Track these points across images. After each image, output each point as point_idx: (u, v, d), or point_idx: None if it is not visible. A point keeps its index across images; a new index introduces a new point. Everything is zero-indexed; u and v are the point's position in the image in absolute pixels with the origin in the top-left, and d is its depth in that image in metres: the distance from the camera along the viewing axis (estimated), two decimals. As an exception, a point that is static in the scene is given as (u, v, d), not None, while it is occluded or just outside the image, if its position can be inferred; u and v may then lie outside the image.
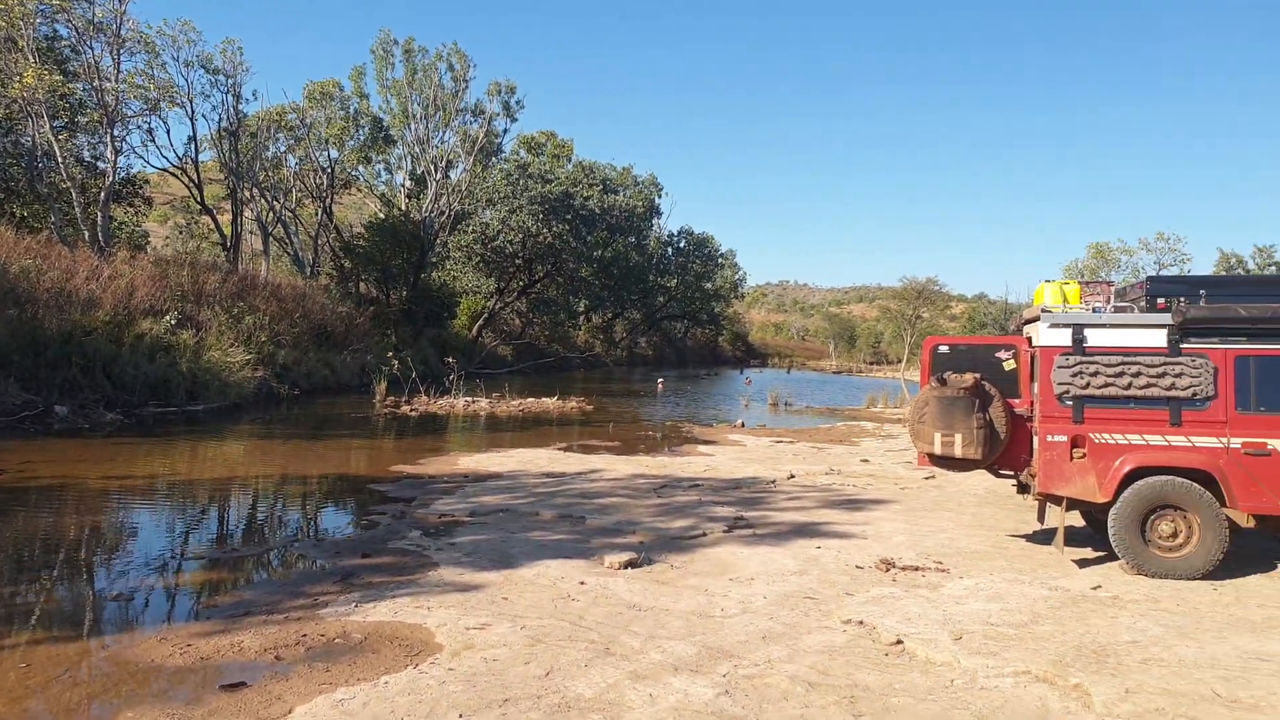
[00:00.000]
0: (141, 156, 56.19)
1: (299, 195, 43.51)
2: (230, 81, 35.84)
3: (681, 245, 67.41)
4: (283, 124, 39.72)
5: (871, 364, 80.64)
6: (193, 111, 35.04)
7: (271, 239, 41.31)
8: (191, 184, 36.45)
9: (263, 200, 40.11)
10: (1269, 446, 7.57)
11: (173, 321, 21.56)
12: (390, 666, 5.39)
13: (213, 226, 39.37)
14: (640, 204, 53.94)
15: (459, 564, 7.84)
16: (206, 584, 7.48)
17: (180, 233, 47.12)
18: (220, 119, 36.31)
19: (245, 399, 22.05)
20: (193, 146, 36.28)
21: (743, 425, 22.15)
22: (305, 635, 5.89)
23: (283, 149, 41.21)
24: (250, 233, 43.09)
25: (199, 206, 38.04)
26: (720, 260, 70.52)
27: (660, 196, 62.63)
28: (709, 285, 69.19)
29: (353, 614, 6.37)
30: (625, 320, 66.51)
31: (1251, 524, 7.68)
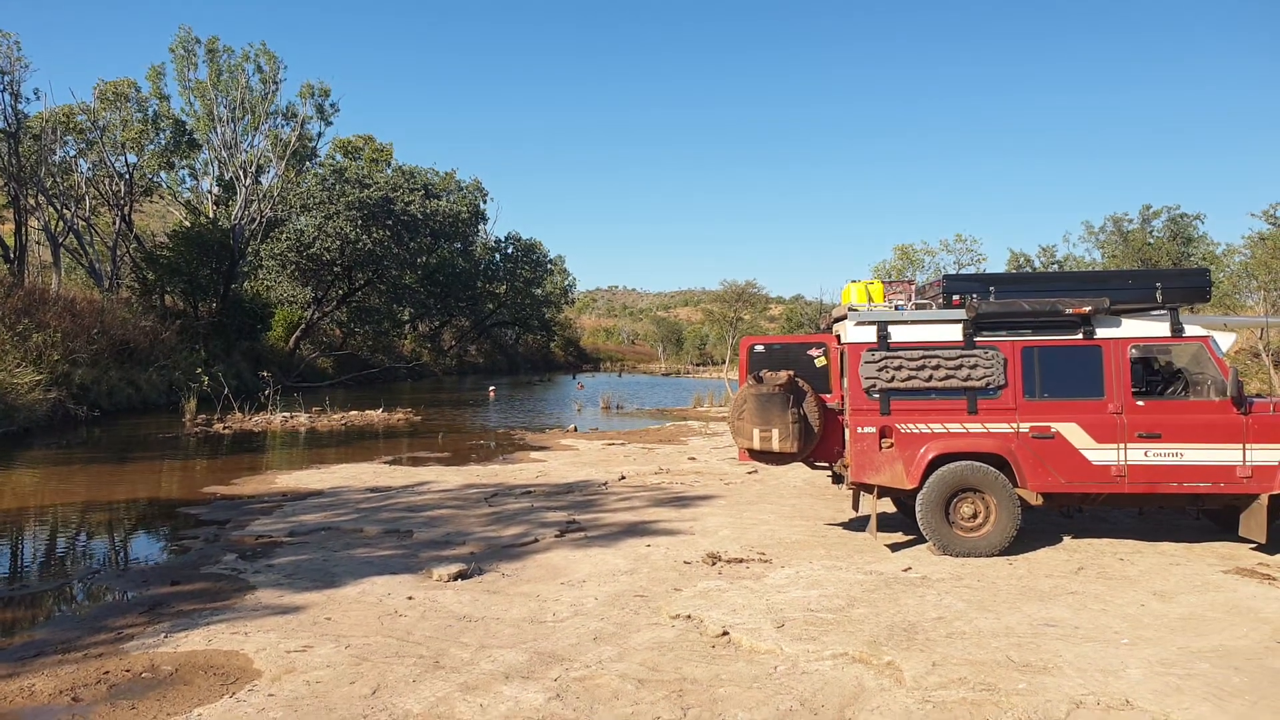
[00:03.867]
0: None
1: (93, 203, 40.37)
2: (6, 79, 32.95)
3: (509, 251, 66.79)
4: (71, 126, 36.82)
5: (698, 365, 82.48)
6: (-38, 111, 31.97)
7: (63, 250, 38.13)
8: (-36, 190, 33.23)
9: (50, 208, 37.00)
10: (1053, 430, 8.25)
11: (-56, 341, 19.58)
12: (204, 697, 5.09)
13: (-8, 237, 35.97)
14: (465, 209, 53.13)
15: (278, 586, 7.49)
16: (-9, 626, 6.83)
17: (-47, 244, 42.80)
18: (-4, 119, 33.29)
19: (37, 423, 20.29)
20: (-38, 149, 33.07)
21: (575, 430, 22.22)
22: (107, 672, 5.47)
23: (73, 153, 38.21)
24: (37, 243, 39.61)
25: (-26, 215, 34.74)
26: (549, 266, 70.34)
27: (485, 202, 61.80)
28: (539, 291, 68.93)
29: (162, 645, 5.97)
30: (454, 328, 65.39)
31: (1040, 501, 8.37)
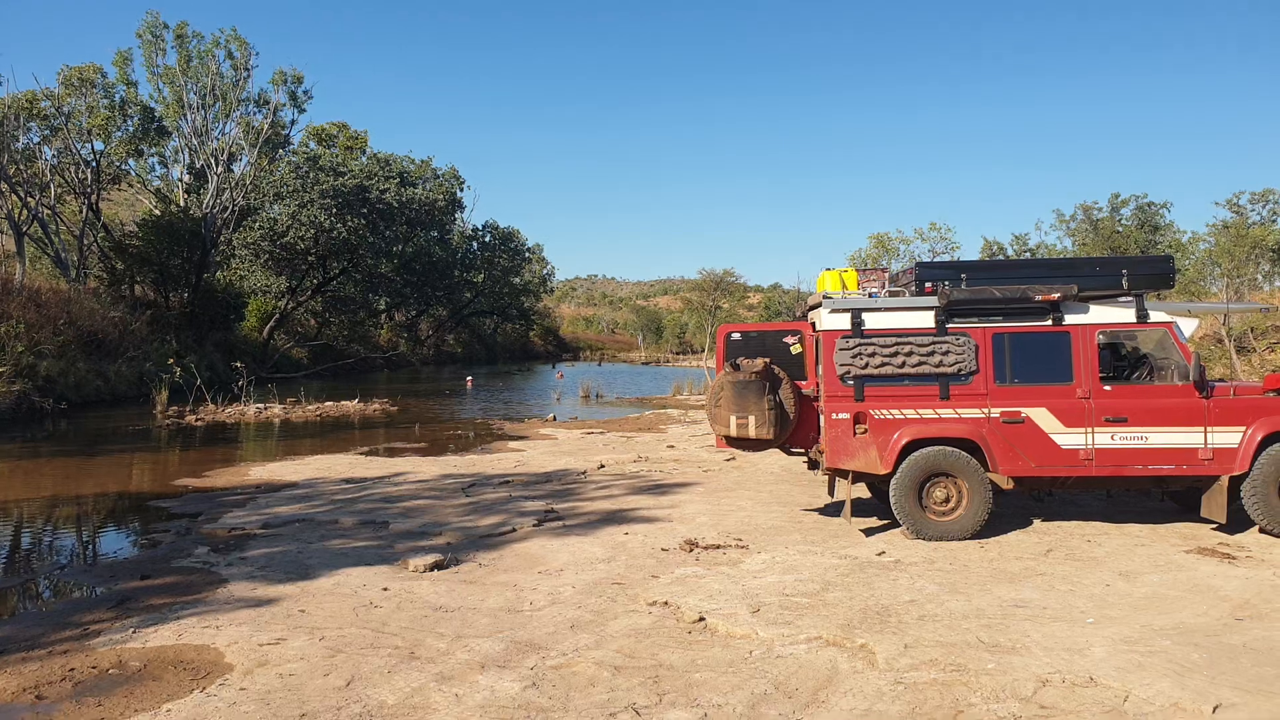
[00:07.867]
0: None
1: (59, 191, 39.74)
2: (-34, 64, 32.35)
3: (487, 240, 66.56)
4: (35, 112, 36.19)
5: (678, 354, 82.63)
6: (-81, 97, 31.37)
7: (27, 239, 37.54)
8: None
9: (14, 196, 36.42)
10: (1023, 415, 8.33)
11: (-96, 333, 19.24)
12: (174, 693, 5.04)
13: (-48, 227, 35.37)
14: (441, 197, 52.77)
15: (251, 578, 7.44)
16: (-43, 623, 6.73)
17: (-88, 234, 42.07)
18: (-46, 106, 32.73)
19: (1, 416, 20.00)
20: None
21: (554, 419, 22.18)
22: (73, 669, 5.41)
23: (36, 140, 37.57)
24: (1, 232, 39.00)
25: (-66, 204, 34.11)
26: (528, 255, 70.16)
27: (462, 189, 61.47)
28: (517, 280, 68.76)
29: (130, 640, 5.92)
30: (431, 317, 65.06)
31: (1011, 485, 8.45)
